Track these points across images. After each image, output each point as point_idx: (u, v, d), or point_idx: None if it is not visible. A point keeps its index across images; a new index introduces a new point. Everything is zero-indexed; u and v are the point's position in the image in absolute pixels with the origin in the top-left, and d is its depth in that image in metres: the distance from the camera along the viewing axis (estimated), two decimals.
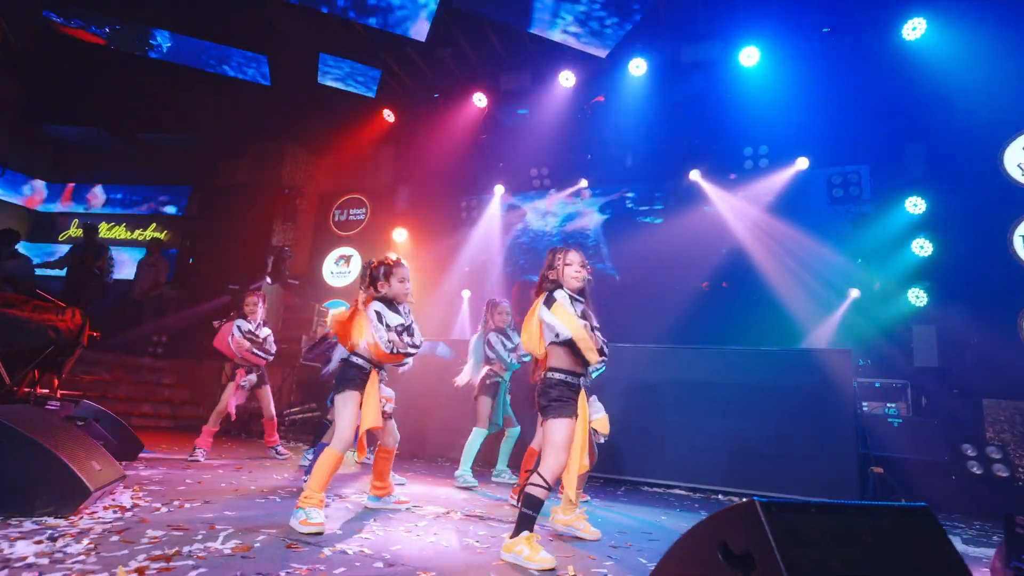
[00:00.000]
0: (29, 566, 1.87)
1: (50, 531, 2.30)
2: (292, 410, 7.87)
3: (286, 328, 8.78)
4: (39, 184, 10.93)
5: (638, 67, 7.11)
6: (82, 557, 2.00)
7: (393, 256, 3.13)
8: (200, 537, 2.39)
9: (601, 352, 2.68)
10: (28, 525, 2.36)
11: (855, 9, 6.41)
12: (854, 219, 8.14)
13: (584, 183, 9.16)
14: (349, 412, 2.90)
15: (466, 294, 9.37)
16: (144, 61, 7.83)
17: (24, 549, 2.02)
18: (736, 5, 6.47)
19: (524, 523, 2.47)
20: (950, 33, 6.13)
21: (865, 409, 5.87)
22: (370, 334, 2.93)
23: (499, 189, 9.39)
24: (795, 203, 8.47)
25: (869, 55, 6.62)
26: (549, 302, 2.72)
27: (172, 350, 9.04)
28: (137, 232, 10.65)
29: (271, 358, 5.32)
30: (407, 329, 3.03)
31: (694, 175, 8.39)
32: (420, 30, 6.85)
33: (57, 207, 11.05)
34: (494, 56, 7.46)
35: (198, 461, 4.77)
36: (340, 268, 9.79)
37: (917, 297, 6.29)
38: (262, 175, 9.97)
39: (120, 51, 7.78)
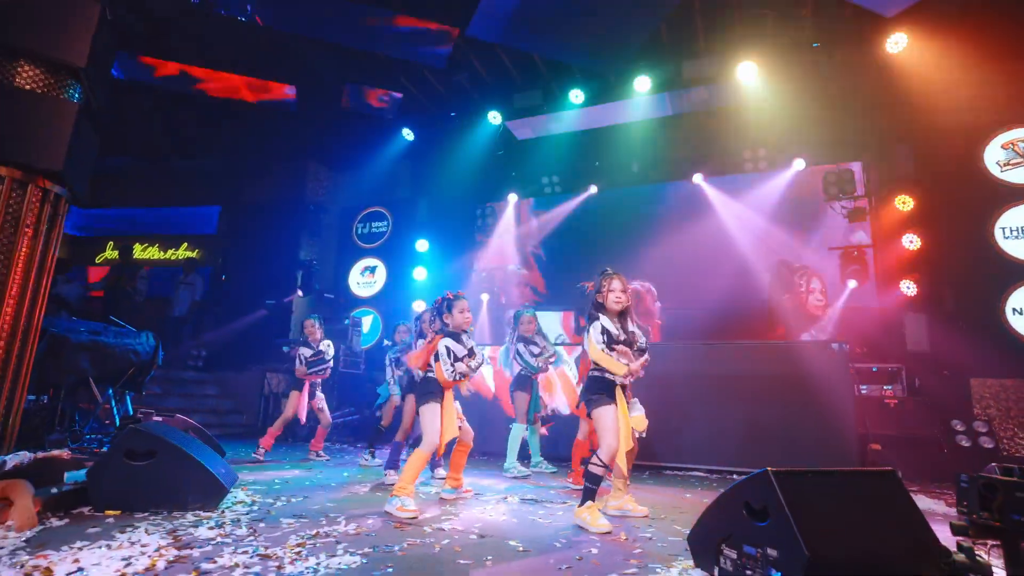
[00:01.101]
0: (218, 544, 2.46)
1: (211, 519, 2.90)
2: (332, 414, 8.48)
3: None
4: (77, 210, 11.51)
5: (642, 84, 7.65)
6: (250, 538, 2.60)
7: (454, 292, 3.73)
8: (324, 522, 2.99)
9: (628, 367, 3.30)
10: (190, 516, 2.96)
11: (841, 26, 6.94)
12: (850, 214, 8.70)
13: (594, 189, 9.71)
14: (433, 420, 3.49)
15: (484, 298, 9.95)
16: (181, 96, 8.39)
17: (204, 533, 2.62)
18: (733, 24, 7.00)
19: (587, 495, 3.13)
20: (929, 46, 6.67)
21: (864, 391, 6.44)
22: (438, 367, 3.52)
23: (512, 197, 9.96)
24: (792, 200, 9.03)
25: (857, 66, 7.16)
26: (589, 324, 3.41)
27: (212, 363, 9.65)
28: (170, 252, 11.25)
29: (327, 373, 5.93)
30: (470, 352, 3.63)
31: (697, 179, 8.95)
32: (439, 56, 7.40)
33: (94, 231, 11.65)
34: (507, 77, 8.00)
35: (260, 460, 5.46)
36: (366, 278, 10.38)
37: (908, 287, 6.85)
38: (286, 193, 10.55)
39: (162, 89, 8.34)
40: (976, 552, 2.00)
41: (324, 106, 8.69)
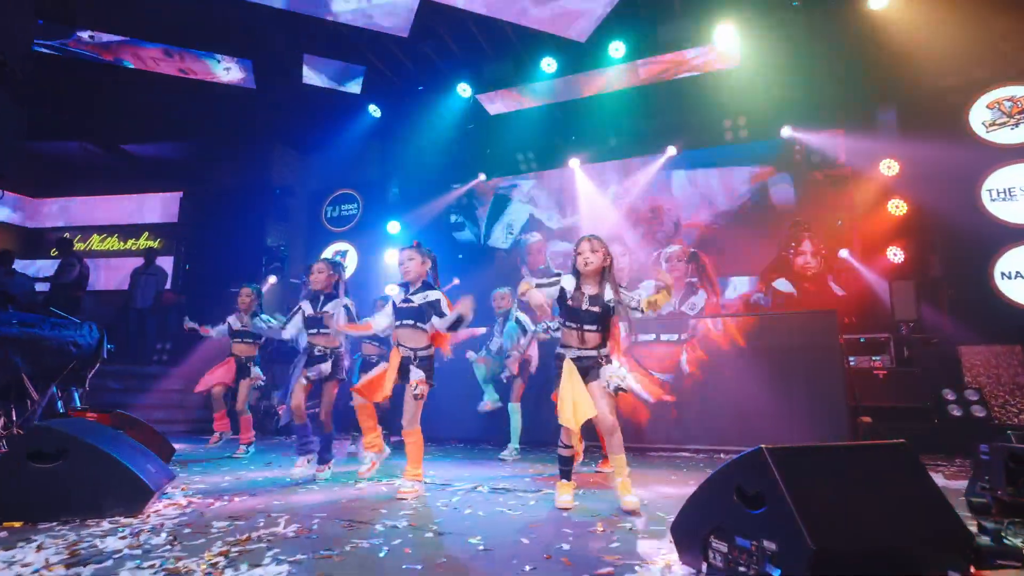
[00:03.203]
0: (127, 557, 2.10)
1: (128, 528, 2.53)
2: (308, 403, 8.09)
3: None
4: (26, 200, 10.89)
5: (617, 50, 7.27)
6: (167, 547, 2.24)
7: None
8: (262, 523, 2.64)
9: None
10: (105, 524, 2.59)
11: None
12: (834, 182, 8.46)
13: (571, 164, 9.36)
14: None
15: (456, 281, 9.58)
16: (124, 70, 7.83)
17: (114, 544, 2.25)
18: None
19: (560, 473, 3.23)
20: (912, 3, 6.37)
21: (852, 363, 6.22)
22: None
23: (482, 176, 9.59)
24: (776, 170, 8.75)
25: (838, 25, 6.84)
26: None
27: (178, 357, 9.18)
28: (131, 242, 10.68)
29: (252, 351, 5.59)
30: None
31: (671, 151, 8.63)
32: (402, 26, 6.95)
33: (46, 223, 11.03)
34: (476, 47, 7.57)
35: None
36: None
37: (895, 254, 6.62)
38: (251, 177, 10.04)
39: (100, 62, 7.77)
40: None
41: (284, 82, 8.19)
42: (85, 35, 7.01)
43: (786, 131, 7.95)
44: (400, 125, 9.16)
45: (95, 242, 10.74)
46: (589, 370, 3.17)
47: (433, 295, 3.58)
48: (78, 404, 5.86)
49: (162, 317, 9.44)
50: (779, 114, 7.93)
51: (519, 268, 9.49)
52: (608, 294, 3.19)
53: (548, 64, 7.54)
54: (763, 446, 1.68)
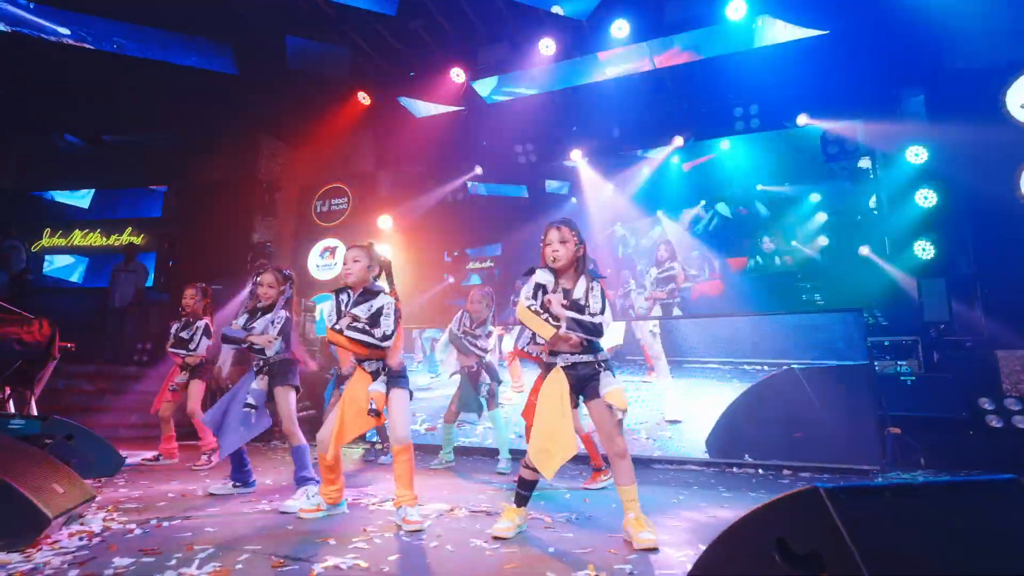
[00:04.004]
0: None
1: (4, 567, 2.03)
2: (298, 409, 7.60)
3: None
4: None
5: (620, 29, 6.76)
6: None
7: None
8: (174, 562, 2.13)
9: (557, 331, 2.61)
10: None
11: None
12: (852, 175, 7.92)
13: (572, 156, 8.86)
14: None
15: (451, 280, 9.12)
16: (99, 56, 7.38)
17: None
18: None
19: (516, 497, 2.72)
20: None
21: (877, 368, 5.67)
22: None
23: (479, 170, 9.11)
24: (791, 163, 8.24)
25: (859, 1, 6.32)
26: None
27: (157, 357, 8.71)
28: (113, 237, 10.24)
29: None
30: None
31: (678, 141, 8.13)
32: (388, 2, 6.47)
33: (28, 217, 10.60)
34: (469, 27, 7.07)
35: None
36: (325, 260, 9.45)
37: (924, 250, 6.07)
38: (238, 171, 9.58)
39: (74, 48, 7.33)
40: None
41: (268, 68, 7.72)
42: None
43: (802, 119, 7.43)
44: (391, 115, 8.68)
45: (77, 237, 10.31)
46: (587, 382, 2.65)
47: (378, 302, 3.05)
48: (33, 407, 5.40)
49: (142, 315, 8.98)
50: (794, 100, 7.42)
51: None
52: (580, 289, 2.69)
53: (546, 46, 7.03)
54: (819, 485, 1.16)
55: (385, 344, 2.93)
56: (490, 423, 4.93)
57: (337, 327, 2.96)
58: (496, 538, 2.53)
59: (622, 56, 7.40)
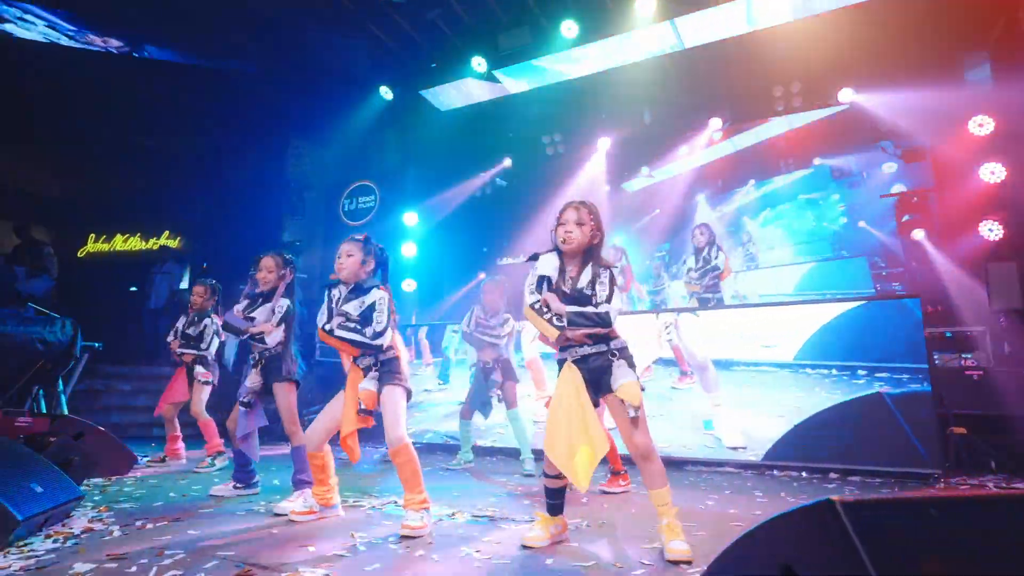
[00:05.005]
0: None
1: None
2: (313, 408, 7.57)
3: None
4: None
5: (645, 6, 6.40)
6: None
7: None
8: (134, 570, 1.98)
9: (563, 331, 2.34)
10: None
11: None
12: (903, 152, 7.29)
13: (601, 145, 8.53)
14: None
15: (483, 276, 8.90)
16: (130, 61, 7.54)
17: None
18: None
19: (548, 507, 2.47)
20: None
21: (937, 362, 5.14)
22: None
23: (507, 162, 8.88)
24: (839, 141, 7.68)
25: None
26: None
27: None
28: (152, 241, 10.52)
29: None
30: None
31: (715, 123, 7.68)
32: None
33: (74, 223, 11.00)
34: (487, 12, 6.85)
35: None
36: None
37: (991, 230, 5.47)
38: (267, 171, 9.68)
39: (106, 55, 7.52)
40: None
41: (290, 67, 7.72)
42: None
43: (846, 94, 6.89)
44: (415, 109, 8.55)
45: (118, 242, 10.64)
46: (601, 375, 2.36)
47: (370, 298, 2.84)
48: (64, 406, 5.49)
49: (175, 316, 9.15)
50: (840, 77, 6.88)
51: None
52: (584, 279, 2.38)
53: (569, 28, 6.73)
54: (833, 498, 0.86)
55: (377, 342, 2.73)
56: (507, 422, 4.68)
57: (327, 327, 2.78)
58: (527, 547, 2.31)
59: (648, 36, 7.01)
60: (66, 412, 5.39)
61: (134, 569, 1.98)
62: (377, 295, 2.83)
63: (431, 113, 8.62)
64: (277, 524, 2.71)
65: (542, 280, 2.42)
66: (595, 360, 2.36)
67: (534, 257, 2.49)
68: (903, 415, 4.16)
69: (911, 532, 0.85)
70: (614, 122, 8.35)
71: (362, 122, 8.91)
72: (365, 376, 2.77)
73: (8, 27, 7.11)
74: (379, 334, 2.74)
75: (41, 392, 5.17)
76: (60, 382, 5.33)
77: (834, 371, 4.47)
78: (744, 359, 4.70)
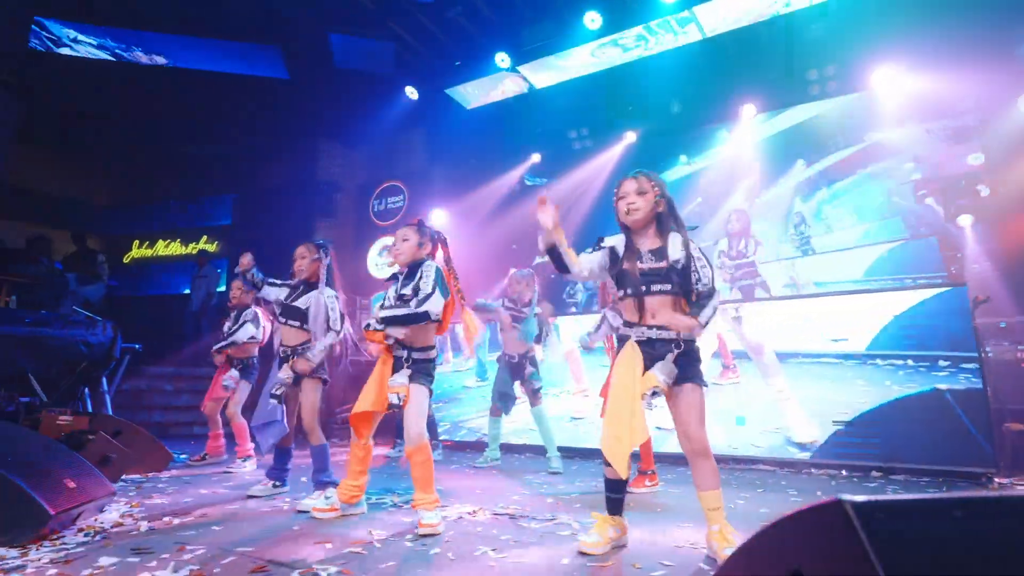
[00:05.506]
0: None
1: None
2: (345, 407, 7.68)
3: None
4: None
5: None
6: None
7: None
8: (154, 564, 2.01)
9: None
10: None
11: None
12: (951, 135, 6.90)
13: (630, 137, 8.37)
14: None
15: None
16: (171, 72, 7.80)
17: None
18: None
19: (608, 505, 2.32)
20: None
21: (989, 353, 4.84)
22: None
23: (535, 157, 8.80)
24: (878, 122, 7.30)
25: None
26: None
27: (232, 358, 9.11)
28: (191, 246, 10.86)
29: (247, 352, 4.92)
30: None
31: (747, 111, 7.42)
32: None
33: (120, 230, 11.46)
34: (510, 6, 6.80)
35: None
36: (384, 259, 9.52)
37: None
38: (298, 174, 9.88)
39: (149, 68, 7.78)
40: None
41: (317, 70, 7.84)
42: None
43: (886, 75, 6.56)
44: (440, 108, 8.57)
45: (160, 247, 11.03)
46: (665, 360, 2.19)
47: (419, 271, 2.81)
48: (109, 407, 5.70)
49: (213, 317, 9.43)
50: (879, 56, 6.56)
51: None
52: (676, 248, 2.22)
53: (592, 20, 6.64)
54: (843, 498, 0.79)
55: (422, 309, 2.65)
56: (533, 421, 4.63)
57: (368, 323, 2.77)
58: (583, 553, 2.15)
59: (677, 21, 6.83)
60: (110, 411, 5.61)
61: (154, 563, 2.02)
62: (427, 263, 2.80)
63: (457, 111, 8.62)
64: (299, 521, 2.73)
65: (612, 253, 2.29)
66: (661, 347, 2.20)
67: (598, 241, 2.37)
68: (962, 410, 3.93)
69: (930, 535, 0.76)
70: (642, 113, 8.19)
71: (389, 123, 9.00)
72: (396, 369, 2.74)
73: (64, 50, 7.45)
74: (427, 296, 2.67)
75: (87, 392, 5.40)
76: (104, 382, 5.56)
77: (879, 361, 4.27)
78: (789, 350, 4.55)
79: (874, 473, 4.03)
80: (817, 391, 4.37)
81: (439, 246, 2.97)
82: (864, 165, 7.12)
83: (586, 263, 2.29)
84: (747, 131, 7.63)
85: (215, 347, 4.84)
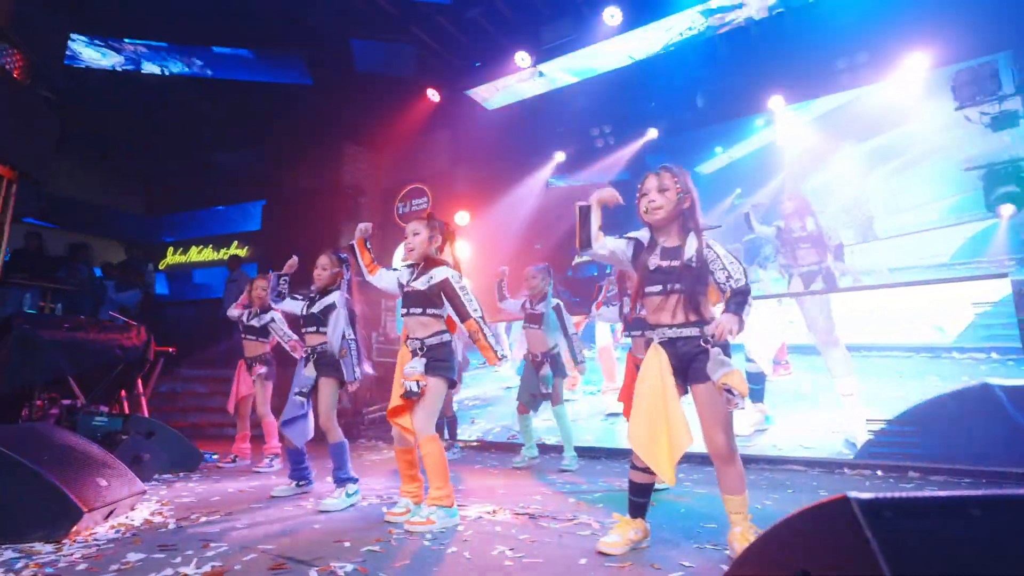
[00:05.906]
0: None
1: (27, 558, 2.06)
2: (371, 408, 7.77)
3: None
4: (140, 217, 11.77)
5: None
6: None
7: None
8: (179, 560, 2.06)
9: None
10: (8, 553, 2.14)
11: None
12: (994, 121, 6.62)
13: (653, 133, 8.26)
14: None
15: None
16: (200, 82, 8.03)
17: None
18: None
19: (630, 507, 2.28)
20: None
21: None
22: None
23: (559, 156, 8.76)
24: (911, 114, 7.05)
25: None
26: None
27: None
28: (223, 251, 11.14)
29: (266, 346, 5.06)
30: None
31: (775, 103, 7.22)
32: None
33: (154, 238, 11.83)
34: (528, 5, 6.79)
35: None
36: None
37: None
38: (324, 179, 10.04)
39: (158, 76, 8.03)
40: None
41: (339, 74, 7.95)
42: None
43: (920, 59, 6.33)
44: (462, 109, 8.60)
45: (193, 254, 11.34)
46: (690, 363, 2.13)
47: (438, 275, 2.83)
48: (145, 409, 5.88)
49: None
50: (912, 42, 6.33)
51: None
52: (691, 247, 2.18)
53: (612, 15, 6.57)
54: (850, 495, 0.75)
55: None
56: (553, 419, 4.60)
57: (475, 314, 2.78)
58: (601, 553, 2.12)
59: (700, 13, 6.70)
60: (146, 413, 5.79)
61: (179, 559, 2.06)
62: (446, 272, 2.81)
63: (478, 112, 8.64)
64: (320, 520, 2.76)
65: (637, 246, 2.27)
66: (684, 346, 2.14)
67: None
68: (1014, 406, 3.76)
69: (944, 536, 0.72)
70: (664, 109, 8.07)
71: (411, 125, 9.07)
72: (412, 357, 2.77)
73: (98, 64, 7.74)
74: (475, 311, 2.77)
75: (124, 394, 5.58)
76: (139, 384, 5.74)
77: (924, 355, 4.12)
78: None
79: (912, 474, 3.89)
80: (868, 386, 4.22)
81: (448, 239, 3.06)
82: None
83: (609, 243, 2.28)
84: (784, 117, 7.40)
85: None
